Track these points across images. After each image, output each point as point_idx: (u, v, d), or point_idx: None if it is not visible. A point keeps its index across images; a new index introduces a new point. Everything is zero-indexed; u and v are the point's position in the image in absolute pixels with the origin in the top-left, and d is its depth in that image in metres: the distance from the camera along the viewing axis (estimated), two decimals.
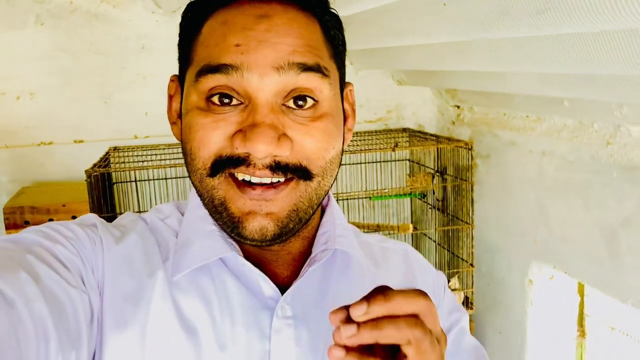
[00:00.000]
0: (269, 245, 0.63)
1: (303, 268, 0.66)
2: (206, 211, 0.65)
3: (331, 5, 0.67)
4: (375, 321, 0.47)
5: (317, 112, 0.60)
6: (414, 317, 0.48)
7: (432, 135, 2.29)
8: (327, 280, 0.69)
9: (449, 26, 1.11)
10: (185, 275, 0.63)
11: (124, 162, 2.05)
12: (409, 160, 2.44)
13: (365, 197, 2.28)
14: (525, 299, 1.99)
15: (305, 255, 0.69)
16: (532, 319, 1.99)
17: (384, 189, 2.24)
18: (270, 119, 0.57)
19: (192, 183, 0.64)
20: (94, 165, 1.86)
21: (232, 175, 0.60)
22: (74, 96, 2.19)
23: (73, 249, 0.59)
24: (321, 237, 0.69)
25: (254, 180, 0.59)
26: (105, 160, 1.97)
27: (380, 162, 2.38)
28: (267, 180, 0.59)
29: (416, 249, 2.57)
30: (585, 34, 0.97)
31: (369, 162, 2.34)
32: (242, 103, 0.59)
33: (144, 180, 2.16)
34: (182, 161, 2.07)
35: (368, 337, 0.46)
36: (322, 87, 0.60)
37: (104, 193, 1.88)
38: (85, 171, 1.78)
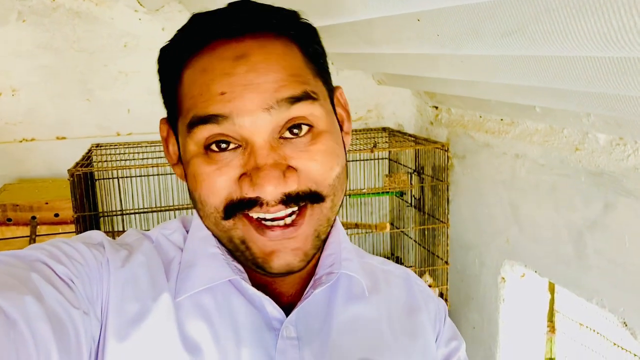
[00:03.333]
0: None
1: (307, 289, 0.67)
2: (209, 232, 0.66)
3: (303, 17, 0.65)
4: None
5: (314, 135, 0.60)
6: None
7: (410, 135, 2.34)
8: (332, 302, 0.69)
9: (422, 40, 1.15)
10: (189, 296, 0.63)
11: (106, 161, 2.07)
12: (388, 159, 2.49)
13: (345, 195, 2.32)
14: (497, 295, 2.06)
15: (310, 273, 0.69)
16: (504, 314, 2.06)
17: (362, 189, 2.29)
18: (272, 158, 0.57)
19: (207, 226, 0.64)
20: (77, 164, 1.88)
21: (247, 215, 0.60)
22: (56, 93, 2.20)
23: (76, 270, 0.59)
24: (327, 259, 0.69)
25: (269, 216, 0.59)
26: (87, 158, 1.99)
27: (360, 160, 2.42)
28: (282, 214, 0.59)
29: (395, 246, 2.59)
30: (550, 55, 1.02)
31: (349, 161, 2.38)
32: (240, 146, 0.58)
33: (126, 177, 2.18)
34: (164, 160, 2.07)
35: None
36: (313, 111, 0.60)
37: (86, 191, 1.91)
38: (68, 170, 1.79)
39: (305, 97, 0.59)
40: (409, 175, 2.28)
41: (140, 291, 0.62)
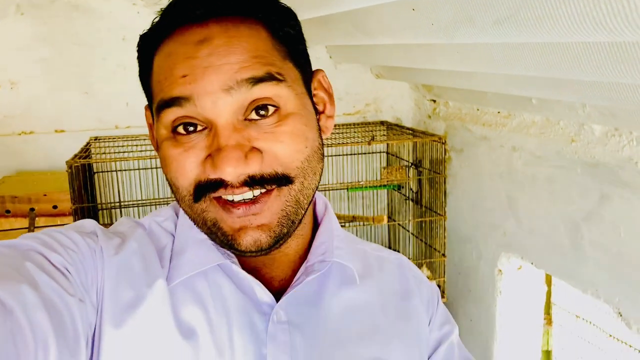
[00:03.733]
0: (268, 254, 0.63)
1: (299, 275, 0.67)
2: None
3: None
4: None
5: (281, 116, 0.60)
6: None
7: (408, 129, 2.34)
8: (323, 288, 0.70)
9: (417, 30, 1.16)
10: (183, 282, 0.64)
11: (104, 153, 2.08)
12: (386, 152, 2.50)
13: (342, 189, 2.33)
14: (494, 288, 2.06)
15: (300, 256, 0.70)
16: (501, 307, 2.06)
17: (360, 182, 2.29)
18: (235, 139, 0.58)
19: (184, 211, 0.64)
20: (75, 155, 1.89)
21: (217, 197, 0.60)
22: (55, 86, 2.21)
23: (70, 258, 0.59)
24: (319, 247, 0.70)
25: (237, 198, 0.59)
26: (86, 151, 2.00)
27: (357, 154, 2.43)
28: (249, 195, 0.59)
29: (392, 239, 2.59)
30: (544, 43, 1.02)
31: (346, 154, 2.39)
32: (206, 127, 0.59)
33: (125, 170, 2.19)
34: None
35: None
36: (279, 92, 0.59)
37: (84, 183, 1.91)
38: (66, 162, 1.80)
39: (269, 78, 0.59)
40: (406, 169, 2.28)
41: (134, 278, 0.63)
